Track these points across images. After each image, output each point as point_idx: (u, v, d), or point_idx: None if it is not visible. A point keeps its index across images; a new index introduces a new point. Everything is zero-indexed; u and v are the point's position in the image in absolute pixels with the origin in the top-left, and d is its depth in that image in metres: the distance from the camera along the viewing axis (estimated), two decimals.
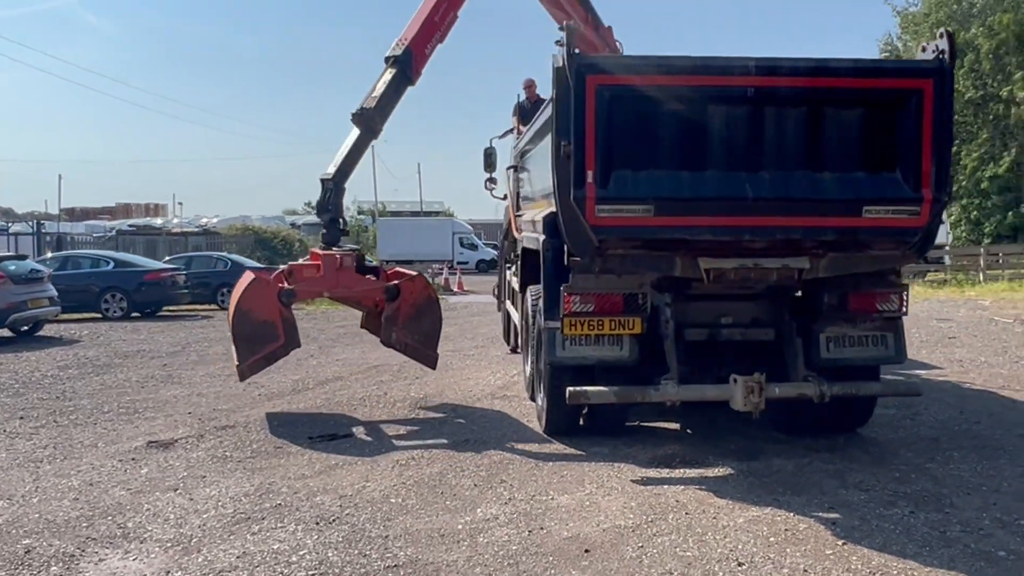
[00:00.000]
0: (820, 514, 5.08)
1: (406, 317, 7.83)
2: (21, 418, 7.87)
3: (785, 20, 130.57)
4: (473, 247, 46.17)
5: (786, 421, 7.00)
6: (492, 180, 12.83)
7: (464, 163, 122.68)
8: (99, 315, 18.22)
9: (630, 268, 6.03)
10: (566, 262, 6.10)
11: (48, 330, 15.47)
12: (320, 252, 8.16)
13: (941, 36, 5.74)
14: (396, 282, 7.88)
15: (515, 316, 10.58)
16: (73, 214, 61.15)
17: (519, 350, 11.97)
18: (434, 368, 8.35)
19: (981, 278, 24.06)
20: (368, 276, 8.31)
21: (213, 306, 21.32)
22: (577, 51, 5.68)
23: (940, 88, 5.69)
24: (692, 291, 6.37)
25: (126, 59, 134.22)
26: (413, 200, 78.61)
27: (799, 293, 6.56)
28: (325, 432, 7.11)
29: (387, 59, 8.85)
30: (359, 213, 73.69)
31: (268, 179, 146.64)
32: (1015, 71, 32.88)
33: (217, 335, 15.02)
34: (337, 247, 8.32)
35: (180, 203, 63.65)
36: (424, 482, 5.75)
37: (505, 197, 13.37)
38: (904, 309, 6.38)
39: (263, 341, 7.41)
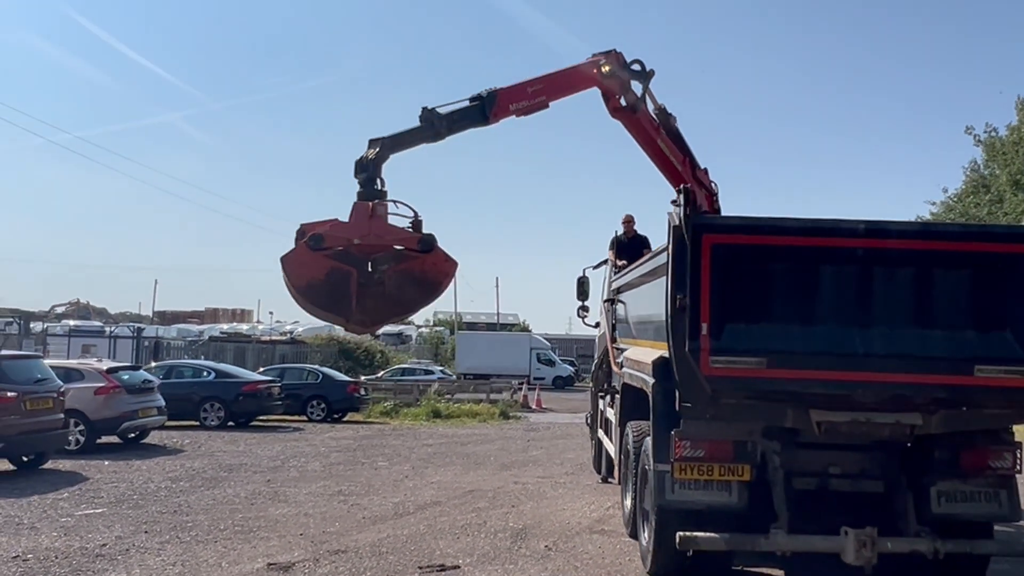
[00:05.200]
0: None
1: (412, 271, 7.88)
2: (146, 532, 8.28)
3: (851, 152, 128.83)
4: (551, 363, 46.46)
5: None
6: (585, 308, 13.30)
7: (540, 278, 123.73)
8: (197, 423, 18.98)
9: (742, 417, 6.22)
10: (677, 407, 6.32)
11: (153, 437, 16.18)
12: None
13: None
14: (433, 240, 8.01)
15: (610, 447, 10.70)
16: (164, 317, 63.85)
17: (611, 479, 12.08)
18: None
19: None
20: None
21: (303, 417, 21.97)
22: (692, 212, 6.06)
23: None
24: (801, 439, 6.48)
25: (223, 171, 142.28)
26: (489, 312, 79.92)
27: (908, 445, 6.62)
28: (433, 563, 7.29)
29: (472, 97, 9.56)
30: (435, 325, 75.09)
31: None
32: None
33: (312, 450, 15.48)
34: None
35: (271, 312, 66.55)
36: None
37: (597, 326, 13.76)
38: (1018, 467, 6.36)
39: (340, 289, 7.61)
